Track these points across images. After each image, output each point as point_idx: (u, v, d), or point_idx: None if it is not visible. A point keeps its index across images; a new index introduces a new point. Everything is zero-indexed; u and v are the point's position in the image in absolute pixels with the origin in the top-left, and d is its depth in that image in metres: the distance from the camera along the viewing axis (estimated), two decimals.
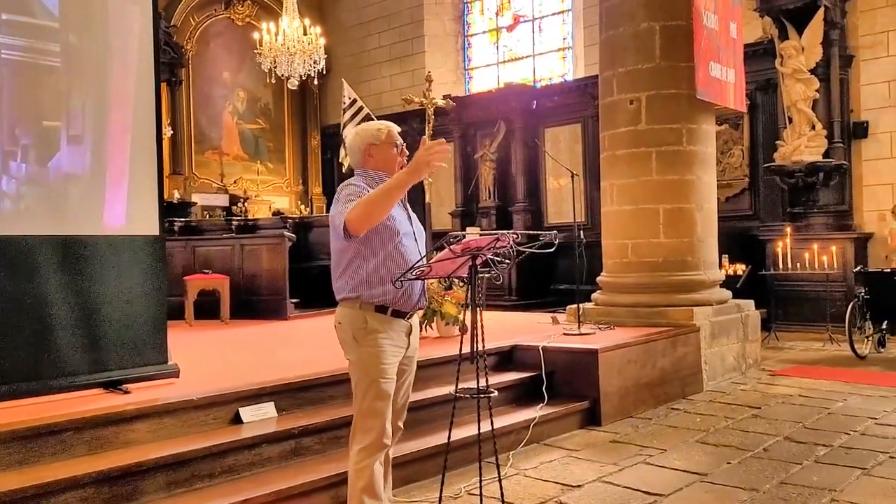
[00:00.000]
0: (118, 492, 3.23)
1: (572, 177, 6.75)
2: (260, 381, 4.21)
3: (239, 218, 11.73)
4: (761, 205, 10.31)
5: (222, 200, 13.84)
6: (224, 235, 9.73)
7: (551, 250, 3.12)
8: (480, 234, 3.07)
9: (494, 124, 12.45)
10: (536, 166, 12.33)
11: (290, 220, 10.23)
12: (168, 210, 10.74)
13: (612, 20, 6.84)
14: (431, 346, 5.38)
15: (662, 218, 6.53)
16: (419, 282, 2.98)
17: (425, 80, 7.89)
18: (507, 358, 5.48)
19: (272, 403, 4.06)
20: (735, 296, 7.10)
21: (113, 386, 3.98)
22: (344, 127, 10.79)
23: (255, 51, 11.50)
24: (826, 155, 9.41)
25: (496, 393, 3.45)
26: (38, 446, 3.28)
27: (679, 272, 6.53)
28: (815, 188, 9.57)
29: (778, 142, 9.76)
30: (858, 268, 8.50)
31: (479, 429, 3.15)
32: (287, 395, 4.16)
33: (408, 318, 3.01)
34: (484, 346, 3.02)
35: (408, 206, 3.07)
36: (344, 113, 11.07)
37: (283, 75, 11.46)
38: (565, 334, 5.94)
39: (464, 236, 2.93)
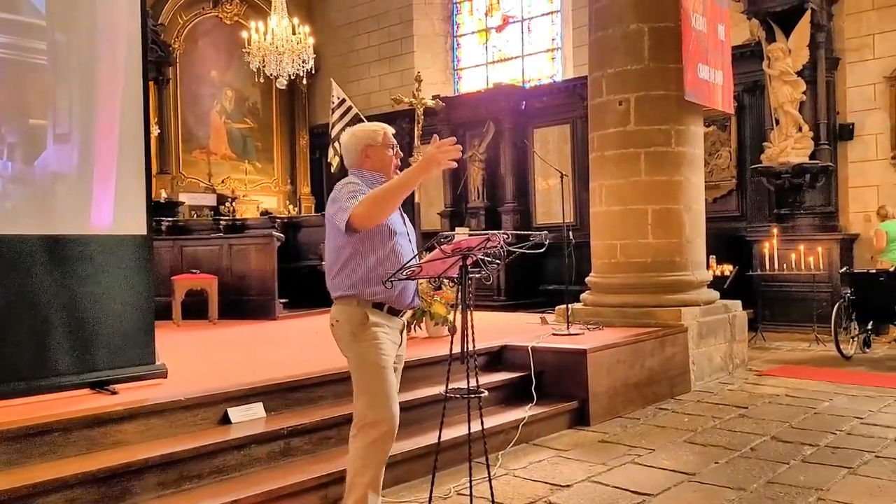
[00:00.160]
0: (107, 493, 3.21)
1: (561, 177, 6.76)
2: (248, 381, 4.19)
3: (227, 218, 11.69)
4: (748, 206, 10.37)
5: (210, 200, 13.77)
6: (212, 235, 9.68)
7: (541, 251, 3.12)
8: (470, 235, 3.07)
9: (483, 125, 12.46)
10: (525, 167, 12.35)
11: (278, 220, 10.20)
12: (155, 210, 10.64)
13: (601, 21, 6.86)
14: (421, 347, 5.38)
15: (651, 219, 6.56)
16: (414, 281, 3.00)
17: (415, 80, 7.88)
18: (496, 358, 5.48)
19: (261, 404, 4.04)
20: (722, 296, 7.14)
21: (100, 386, 3.96)
22: (332, 127, 10.78)
23: (244, 50, 11.46)
24: (812, 156, 9.47)
25: (486, 393, 3.46)
26: (25, 447, 3.25)
27: (667, 273, 6.56)
28: (802, 189, 9.63)
29: (765, 143, 9.82)
30: (844, 269, 8.57)
31: (469, 429, 3.15)
32: (276, 395, 4.15)
33: (401, 316, 3.08)
34: (474, 347, 3.02)
35: (400, 206, 3.08)
36: (332, 113, 11.07)
37: (271, 74, 11.42)
38: (554, 334, 5.95)
39: (453, 237, 2.93)
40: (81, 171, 4.07)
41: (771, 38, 9.63)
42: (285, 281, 8.58)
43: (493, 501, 3.28)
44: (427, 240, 3.12)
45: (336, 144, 10.24)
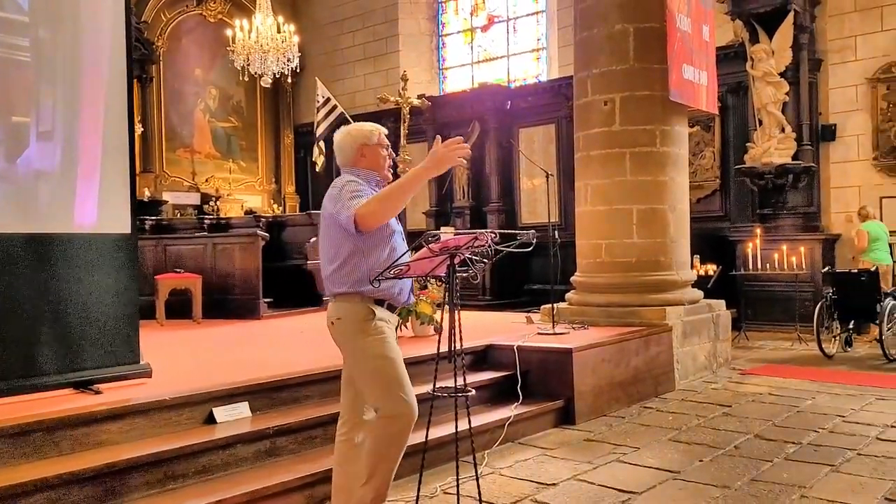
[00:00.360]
0: (90, 493, 3.18)
1: (547, 177, 6.77)
2: (233, 381, 4.17)
3: (211, 217, 11.60)
4: (732, 206, 10.45)
5: (194, 199, 13.69)
6: (196, 234, 9.62)
7: (528, 250, 3.13)
8: (455, 234, 3.07)
9: (469, 124, 12.40)
10: (510, 166, 12.38)
11: (262, 220, 10.14)
12: (139, 208, 10.53)
13: (586, 22, 6.88)
14: (406, 346, 5.34)
15: (636, 218, 6.59)
16: (409, 280, 3.01)
17: (401, 79, 7.86)
18: (481, 357, 5.48)
19: (246, 403, 4.02)
20: (706, 296, 7.19)
21: (84, 386, 3.92)
22: (318, 126, 10.73)
23: (228, 48, 11.41)
24: (795, 157, 9.56)
25: (473, 392, 3.46)
26: (7, 447, 3.21)
27: (652, 272, 6.60)
28: (785, 190, 9.72)
29: (748, 144, 9.89)
30: (826, 269, 8.66)
31: (456, 427, 3.15)
32: (261, 395, 4.13)
33: (396, 313, 3.15)
34: (462, 345, 3.02)
35: None
36: (318, 112, 10.99)
37: (256, 73, 11.37)
38: (539, 334, 5.96)
39: (440, 236, 2.94)
40: (65, 168, 4.03)
41: (754, 40, 9.71)
42: (270, 280, 8.54)
43: (480, 500, 3.28)
44: (413, 239, 3.13)
45: (321, 143, 10.19)
